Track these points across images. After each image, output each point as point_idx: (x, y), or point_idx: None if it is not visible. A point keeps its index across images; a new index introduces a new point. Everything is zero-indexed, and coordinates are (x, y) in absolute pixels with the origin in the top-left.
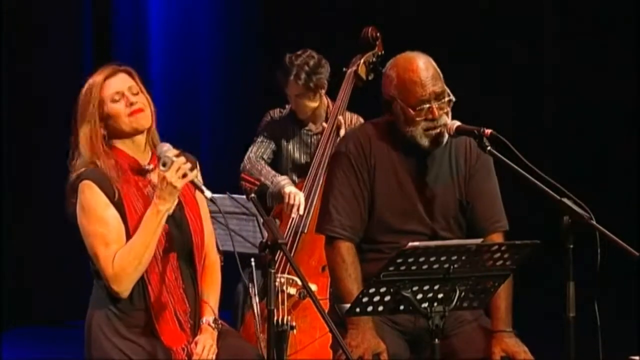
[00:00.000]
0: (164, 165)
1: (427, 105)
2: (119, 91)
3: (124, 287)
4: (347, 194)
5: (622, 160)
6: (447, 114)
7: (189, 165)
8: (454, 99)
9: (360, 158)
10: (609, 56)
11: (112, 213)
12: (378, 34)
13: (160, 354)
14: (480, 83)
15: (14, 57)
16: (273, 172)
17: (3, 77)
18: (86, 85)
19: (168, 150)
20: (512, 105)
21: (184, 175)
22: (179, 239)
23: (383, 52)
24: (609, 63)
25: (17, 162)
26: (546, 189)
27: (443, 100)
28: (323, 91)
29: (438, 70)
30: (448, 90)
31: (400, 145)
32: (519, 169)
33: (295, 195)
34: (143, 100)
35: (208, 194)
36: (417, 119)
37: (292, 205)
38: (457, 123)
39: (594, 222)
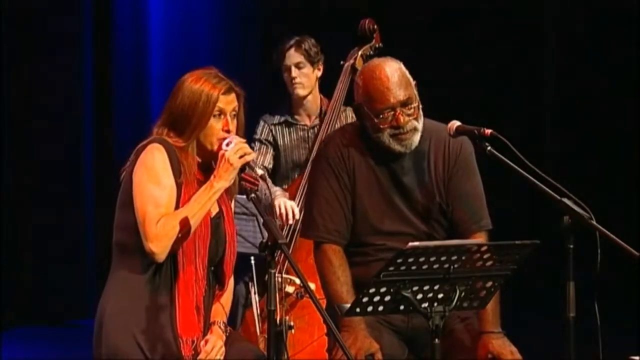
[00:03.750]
0: (227, 145)
1: (392, 112)
2: (223, 109)
3: (160, 249)
4: (329, 198)
5: (622, 160)
6: (417, 119)
7: (249, 150)
8: (420, 108)
9: (339, 161)
10: (610, 55)
11: (170, 182)
12: (375, 27)
13: (169, 342)
14: (479, 82)
15: (14, 57)
16: (266, 185)
17: (3, 78)
18: (197, 85)
19: (235, 136)
20: (512, 105)
21: (242, 157)
22: (214, 245)
23: (381, 44)
24: (609, 62)
25: (18, 161)
26: (546, 189)
27: (410, 106)
28: (319, 72)
29: (407, 76)
30: (416, 96)
31: (378, 147)
32: (519, 169)
33: (286, 204)
34: (234, 128)
35: (259, 172)
36: (382, 126)
37: (284, 214)
38: (457, 123)
39: (594, 222)
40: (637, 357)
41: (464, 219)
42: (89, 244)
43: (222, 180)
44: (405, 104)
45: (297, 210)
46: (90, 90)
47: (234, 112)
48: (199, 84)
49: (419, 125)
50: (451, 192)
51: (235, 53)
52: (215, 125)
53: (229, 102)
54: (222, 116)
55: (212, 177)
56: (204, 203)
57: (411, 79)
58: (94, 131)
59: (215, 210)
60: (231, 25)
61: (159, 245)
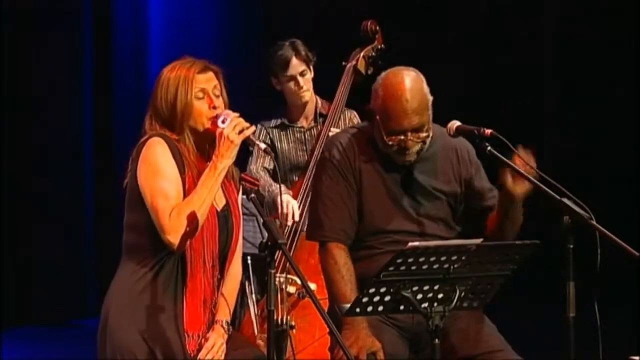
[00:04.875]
0: (223, 122)
1: (402, 135)
2: (204, 89)
3: (178, 240)
4: (335, 199)
5: (622, 160)
6: (424, 141)
7: (246, 123)
8: (430, 135)
9: (344, 163)
10: (609, 53)
11: (175, 172)
12: (377, 28)
13: (175, 338)
14: (479, 81)
15: (14, 57)
16: (270, 182)
17: (3, 78)
18: (173, 74)
19: (229, 112)
20: (511, 104)
21: (241, 132)
22: (223, 236)
23: (383, 45)
24: (609, 60)
25: (18, 162)
26: (546, 189)
27: (421, 132)
28: (311, 75)
29: (427, 98)
30: (429, 120)
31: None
32: (519, 169)
33: (288, 204)
34: (221, 104)
35: (262, 145)
36: (390, 143)
37: (286, 214)
38: (457, 123)
39: (594, 222)
40: (637, 357)
41: (491, 209)
42: (89, 244)
43: (225, 158)
44: (417, 130)
45: (297, 212)
46: (90, 89)
47: (216, 90)
48: (174, 72)
49: (426, 145)
50: (474, 194)
51: (236, 52)
52: (202, 106)
53: (208, 80)
54: (205, 95)
55: (213, 157)
56: (211, 186)
57: (429, 99)
58: (94, 130)
59: (221, 203)
60: (231, 24)
61: (176, 235)
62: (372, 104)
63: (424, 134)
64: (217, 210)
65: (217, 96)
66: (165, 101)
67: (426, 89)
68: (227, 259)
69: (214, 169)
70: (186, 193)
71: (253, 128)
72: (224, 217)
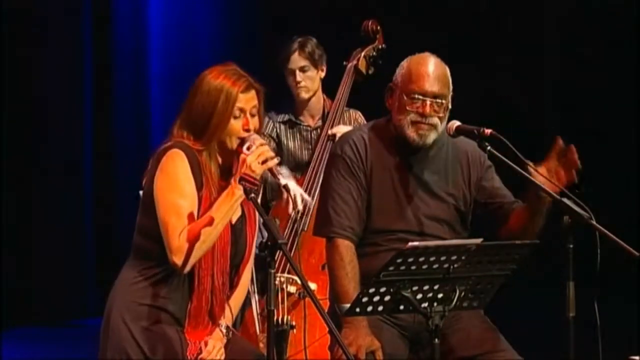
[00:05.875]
0: (248, 149)
1: (421, 100)
2: (243, 108)
3: (184, 262)
4: (345, 196)
5: (622, 160)
6: (441, 118)
7: (271, 153)
8: (450, 107)
9: (357, 161)
10: (609, 53)
11: (192, 189)
12: (378, 27)
13: (175, 346)
14: (479, 81)
15: (14, 56)
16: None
17: (3, 77)
18: (216, 82)
19: (256, 138)
20: (512, 103)
21: (264, 162)
22: (234, 249)
23: (384, 45)
24: (609, 60)
25: (17, 162)
26: (546, 188)
27: (439, 102)
28: (322, 73)
29: (448, 76)
30: (449, 97)
31: (396, 148)
32: (519, 169)
33: (295, 192)
34: (256, 124)
35: (283, 181)
36: (408, 107)
37: (292, 201)
38: (457, 123)
39: (594, 222)
40: (637, 357)
41: (506, 205)
42: (89, 244)
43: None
44: (437, 96)
45: (299, 202)
46: (90, 89)
47: (254, 110)
48: (218, 80)
49: (440, 126)
50: (486, 193)
51: (236, 52)
52: (236, 125)
53: (248, 100)
54: (242, 115)
55: (232, 181)
56: (226, 212)
57: (450, 81)
58: (94, 131)
59: (237, 215)
60: (231, 24)
61: (181, 257)
62: (395, 78)
63: (441, 104)
64: (231, 224)
65: (253, 116)
66: (203, 108)
67: (449, 73)
68: (238, 271)
69: (231, 195)
70: (201, 211)
71: (277, 160)
72: (239, 231)
